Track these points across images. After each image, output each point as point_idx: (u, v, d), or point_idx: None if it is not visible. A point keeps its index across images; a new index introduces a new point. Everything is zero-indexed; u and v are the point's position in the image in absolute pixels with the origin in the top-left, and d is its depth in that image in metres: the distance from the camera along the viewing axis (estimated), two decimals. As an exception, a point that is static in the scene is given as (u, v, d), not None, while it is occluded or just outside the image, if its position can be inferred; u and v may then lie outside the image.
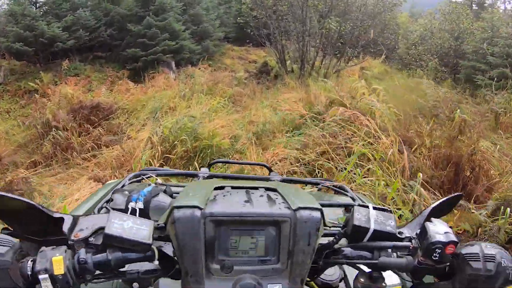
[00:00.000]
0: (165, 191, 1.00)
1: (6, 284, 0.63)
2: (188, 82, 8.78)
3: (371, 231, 0.77)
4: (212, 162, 1.79)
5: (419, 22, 15.73)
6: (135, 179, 1.36)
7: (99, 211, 1.02)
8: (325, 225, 0.75)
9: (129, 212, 0.88)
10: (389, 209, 0.84)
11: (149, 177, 1.33)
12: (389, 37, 13.88)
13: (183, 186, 1.20)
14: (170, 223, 0.70)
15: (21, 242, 0.70)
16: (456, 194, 0.97)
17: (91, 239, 0.71)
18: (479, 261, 0.73)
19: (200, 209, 0.69)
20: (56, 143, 5.85)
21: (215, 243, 0.71)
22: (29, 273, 0.65)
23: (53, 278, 0.64)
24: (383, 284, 0.81)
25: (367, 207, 0.81)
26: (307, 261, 0.72)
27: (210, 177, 1.47)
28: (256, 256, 0.73)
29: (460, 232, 3.41)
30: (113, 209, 0.88)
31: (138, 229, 0.70)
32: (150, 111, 6.68)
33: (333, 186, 1.50)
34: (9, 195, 0.69)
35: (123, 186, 1.25)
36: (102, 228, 0.70)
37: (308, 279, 0.85)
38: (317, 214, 0.72)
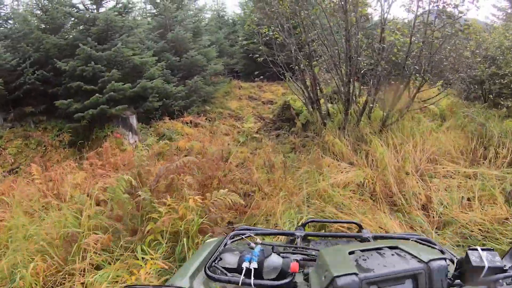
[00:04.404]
0: (272, 251, 1.06)
1: None
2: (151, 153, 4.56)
3: (485, 268, 0.91)
4: (306, 221, 1.82)
5: (495, 32, 11.09)
6: (235, 239, 1.39)
7: (209, 270, 1.06)
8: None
9: (243, 272, 0.98)
10: (492, 249, 0.98)
11: (248, 236, 1.37)
12: (455, 55, 9.16)
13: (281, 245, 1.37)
14: None
15: None
16: None
17: None
18: None
19: (356, 274, 0.85)
20: None
21: None
22: None
23: None
24: None
25: (476, 249, 0.95)
26: None
27: (306, 236, 1.59)
28: None
29: None
30: (224, 268, 1.04)
31: None
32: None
33: (421, 240, 1.52)
34: None
35: (225, 245, 1.28)
36: None
37: None
38: (444, 262, 0.90)
